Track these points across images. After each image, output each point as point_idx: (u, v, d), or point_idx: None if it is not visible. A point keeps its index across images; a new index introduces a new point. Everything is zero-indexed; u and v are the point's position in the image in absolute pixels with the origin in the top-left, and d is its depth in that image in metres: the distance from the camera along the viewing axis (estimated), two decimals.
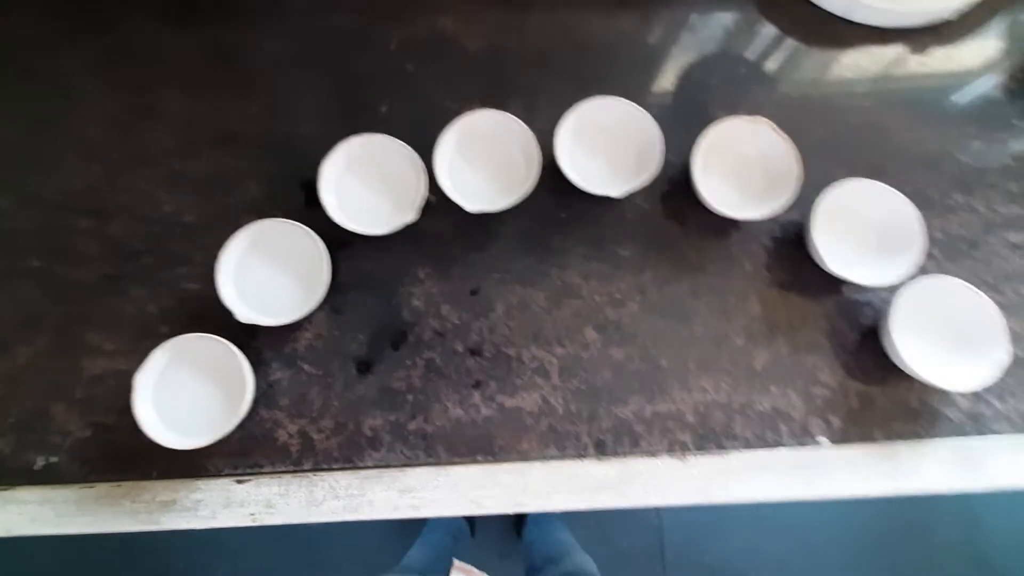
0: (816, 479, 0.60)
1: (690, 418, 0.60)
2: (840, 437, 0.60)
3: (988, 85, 0.70)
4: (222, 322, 0.59)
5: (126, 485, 0.59)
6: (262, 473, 0.59)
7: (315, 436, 0.60)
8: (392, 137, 0.62)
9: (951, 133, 0.68)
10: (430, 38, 0.71)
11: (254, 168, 0.67)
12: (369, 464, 0.59)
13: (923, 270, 0.63)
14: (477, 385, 0.61)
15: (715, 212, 0.62)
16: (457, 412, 0.60)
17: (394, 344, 0.62)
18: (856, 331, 0.63)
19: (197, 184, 0.66)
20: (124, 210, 0.65)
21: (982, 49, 0.72)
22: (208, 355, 0.58)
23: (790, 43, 0.72)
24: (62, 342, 0.62)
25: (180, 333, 0.57)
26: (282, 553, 1.52)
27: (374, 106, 0.68)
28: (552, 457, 0.60)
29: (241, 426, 0.59)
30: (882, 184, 0.61)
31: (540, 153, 0.61)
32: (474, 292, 0.63)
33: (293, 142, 0.68)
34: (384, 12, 0.72)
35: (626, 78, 0.70)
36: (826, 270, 0.60)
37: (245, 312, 0.59)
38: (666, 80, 0.71)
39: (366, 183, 0.64)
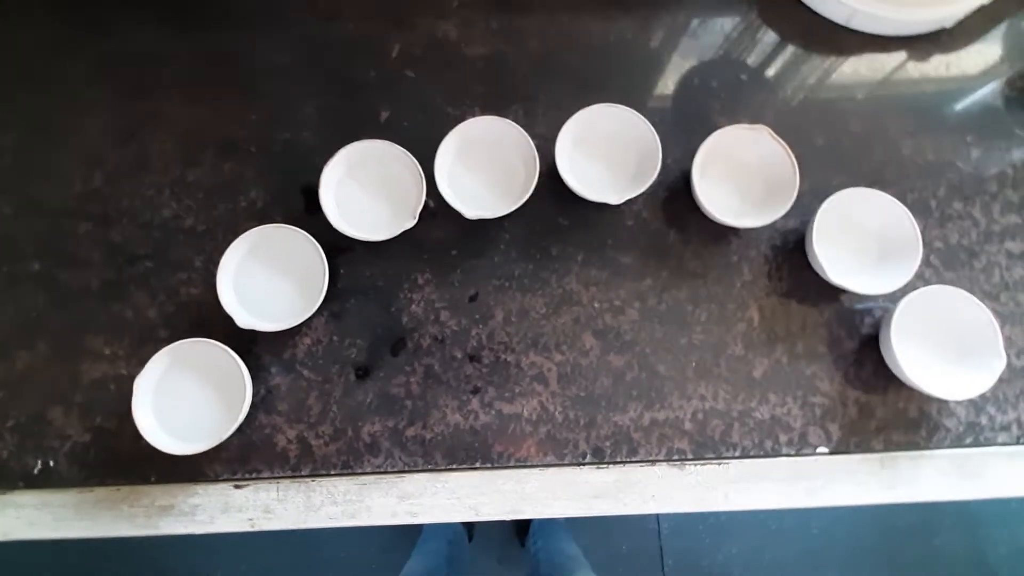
0: (815, 488, 0.60)
1: (688, 426, 0.60)
2: (839, 446, 0.60)
3: (988, 94, 0.70)
4: (222, 327, 0.59)
5: (125, 489, 0.59)
6: (260, 478, 0.59)
7: (314, 442, 0.60)
8: (392, 143, 0.62)
9: (951, 142, 0.68)
10: (430, 44, 0.71)
11: (254, 174, 0.67)
12: (367, 470, 0.59)
13: (922, 279, 0.63)
14: (476, 391, 0.61)
15: (715, 220, 0.62)
16: (456, 418, 0.61)
17: (393, 350, 0.62)
18: (855, 340, 0.63)
19: (198, 190, 0.66)
20: (125, 215, 0.65)
21: (982, 58, 0.72)
22: (207, 360, 0.58)
23: (791, 50, 0.72)
24: (62, 346, 0.62)
25: (180, 338, 0.58)
26: (278, 558, 1.52)
27: (374, 112, 0.68)
28: (550, 464, 0.60)
29: (240, 431, 0.59)
30: (882, 193, 0.61)
31: (539, 160, 0.61)
32: (473, 298, 0.63)
33: (293, 148, 0.68)
34: (385, 19, 0.72)
35: (626, 84, 0.70)
36: (826, 279, 0.60)
37: (245, 318, 0.59)
38: (666, 86, 0.71)
39: (366, 189, 0.64)
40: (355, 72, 0.70)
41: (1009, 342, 0.62)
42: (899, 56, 0.71)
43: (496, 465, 0.60)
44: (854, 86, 0.71)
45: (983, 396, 0.61)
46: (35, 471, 0.59)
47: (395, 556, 1.18)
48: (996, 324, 0.57)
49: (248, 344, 0.61)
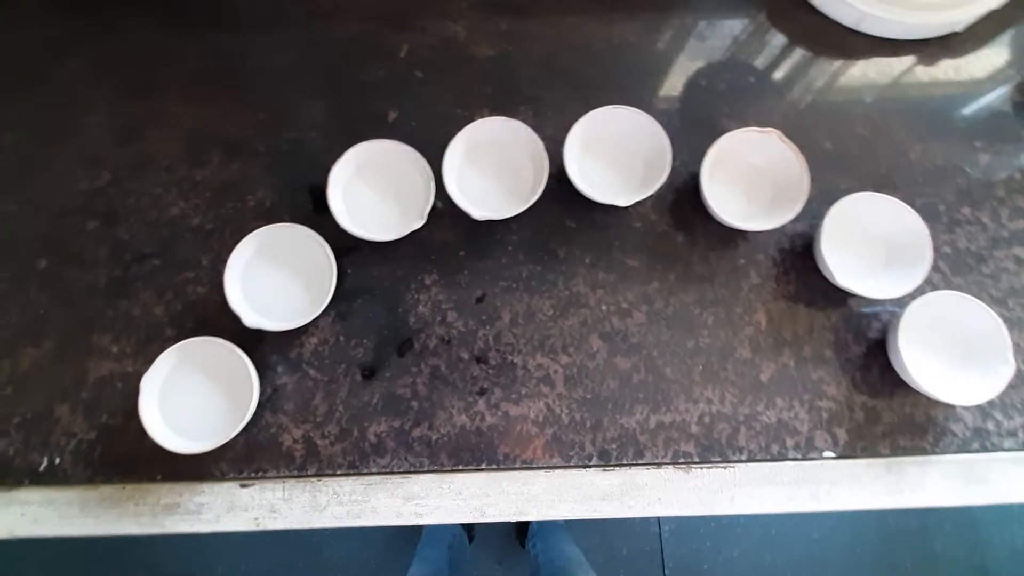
0: (821, 493, 0.60)
1: (695, 429, 0.60)
2: (845, 451, 0.60)
3: (997, 99, 0.70)
4: (228, 326, 0.59)
5: (130, 487, 0.59)
6: (266, 478, 0.59)
7: (319, 442, 0.60)
8: (400, 143, 0.62)
9: (959, 146, 0.68)
10: (440, 46, 0.71)
11: (262, 174, 0.67)
12: (373, 470, 0.59)
13: (930, 284, 0.63)
14: (482, 393, 0.61)
15: (723, 223, 0.62)
16: (462, 419, 0.60)
17: (400, 351, 0.62)
18: (863, 344, 0.63)
19: (205, 189, 0.66)
20: (132, 213, 0.65)
21: (991, 62, 0.72)
22: (214, 359, 0.58)
23: (799, 53, 0.72)
24: (69, 344, 0.62)
25: (186, 337, 0.58)
26: (279, 559, 1.52)
27: (382, 113, 0.68)
28: (556, 466, 0.60)
29: (246, 430, 0.59)
30: (891, 197, 0.61)
31: (548, 161, 0.61)
32: (480, 300, 0.63)
33: (301, 148, 0.68)
34: (394, 20, 0.72)
35: (635, 86, 0.70)
36: (833, 283, 0.60)
37: (252, 317, 0.59)
38: (674, 89, 0.71)
39: (374, 189, 0.64)
40: (363, 72, 0.70)
41: (1017, 348, 0.61)
42: (908, 60, 0.71)
43: (502, 467, 0.60)
44: (863, 90, 0.70)
45: (990, 402, 0.61)
46: (41, 468, 0.59)
47: (395, 559, 1.18)
48: (1005, 330, 0.57)
49: (255, 343, 0.61)
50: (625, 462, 0.60)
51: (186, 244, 0.65)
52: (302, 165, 0.66)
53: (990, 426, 0.61)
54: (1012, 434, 0.60)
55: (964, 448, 0.60)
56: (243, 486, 0.59)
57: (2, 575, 1.48)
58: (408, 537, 1.41)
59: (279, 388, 0.61)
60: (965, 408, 0.61)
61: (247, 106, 0.69)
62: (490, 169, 0.65)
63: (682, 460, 0.60)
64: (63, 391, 0.61)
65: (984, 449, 0.60)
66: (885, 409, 0.61)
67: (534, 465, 0.60)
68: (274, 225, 0.60)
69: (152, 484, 0.59)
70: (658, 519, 1.55)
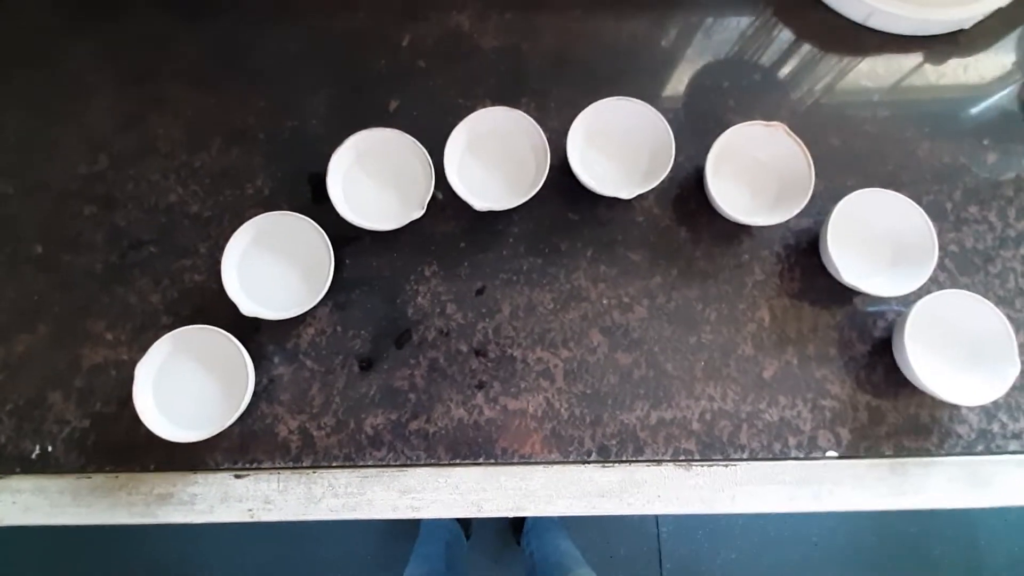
0: (823, 493, 0.59)
1: (696, 426, 0.60)
2: (848, 451, 0.59)
3: (1005, 97, 0.69)
4: (225, 315, 0.58)
5: (123, 477, 0.59)
6: (261, 469, 0.58)
7: (315, 433, 0.59)
8: (401, 132, 0.61)
9: (967, 145, 0.67)
10: (443, 35, 0.70)
11: (262, 162, 0.66)
12: (369, 463, 0.59)
13: (936, 283, 0.62)
14: (480, 386, 0.60)
15: (727, 217, 0.61)
16: (459, 413, 0.60)
17: (398, 342, 0.61)
18: (867, 343, 0.62)
19: (204, 176, 0.65)
20: (130, 199, 0.65)
21: (999, 61, 0.71)
22: (210, 348, 0.57)
23: (807, 48, 0.71)
24: (63, 330, 0.61)
25: (182, 325, 0.57)
26: (277, 553, 1.51)
27: (384, 102, 0.68)
28: (555, 462, 0.59)
29: (241, 420, 0.58)
30: (898, 194, 0.60)
31: (550, 152, 0.60)
32: (480, 292, 0.63)
33: (302, 137, 0.67)
34: (397, 8, 0.71)
35: (640, 80, 0.69)
36: (839, 280, 0.60)
37: (249, 305, 0.58)
38: (680, 83, 0.70)
39: (374, 178, 0.63)
40: (365, 61, 0.69)
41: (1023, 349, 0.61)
42: (916, 57, 0.70)
43: (500, 461, 0.59)
44: (870, 86, 0.70)
45: (995, 403, 0.60)
46: (32, 456, 0.58)
47: (392, 556, 1.17)
48: (1011, 330, 0.56)
49: (251, 332, 0.60)
50: (625, 458, 0.59)
51: (184, 231, 0.64)
52: (302, 154, 0.66)
53: (995, 428, 0.60)
54: (1017, 436, 0.60)
55: (969, 450, 0.59)
56: (237, 477, 0.59)
57: None
58: (405, 534, 1.40)
59: (275, 378, 0.60)
60: (970, 409, 0.60)
61: (248, 94, 0.68)
62: (492, 160, 0.64)
63: (683, 457, 0.59)
64: (57, 378, 0.60)
65: (989, 451, 0.60)
66: (889, 409, 0.60)
67: (532, 460, 0.59)
68: (272, 213, 0.60)
69: (145, 474, 0.59)
70: (656, 519, 1.55)
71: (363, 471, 0.59)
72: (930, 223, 0.59)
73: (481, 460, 0.59)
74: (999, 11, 0.69)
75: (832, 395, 0.60)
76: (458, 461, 0.59)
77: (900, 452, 0.59)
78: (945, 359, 0.59)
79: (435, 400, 0.60)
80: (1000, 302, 0.62)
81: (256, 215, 0.60)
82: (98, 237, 0.64)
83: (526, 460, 0.59)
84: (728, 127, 0.62)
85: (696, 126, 0.67)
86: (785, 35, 0.72)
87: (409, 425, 0.59)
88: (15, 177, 0.65)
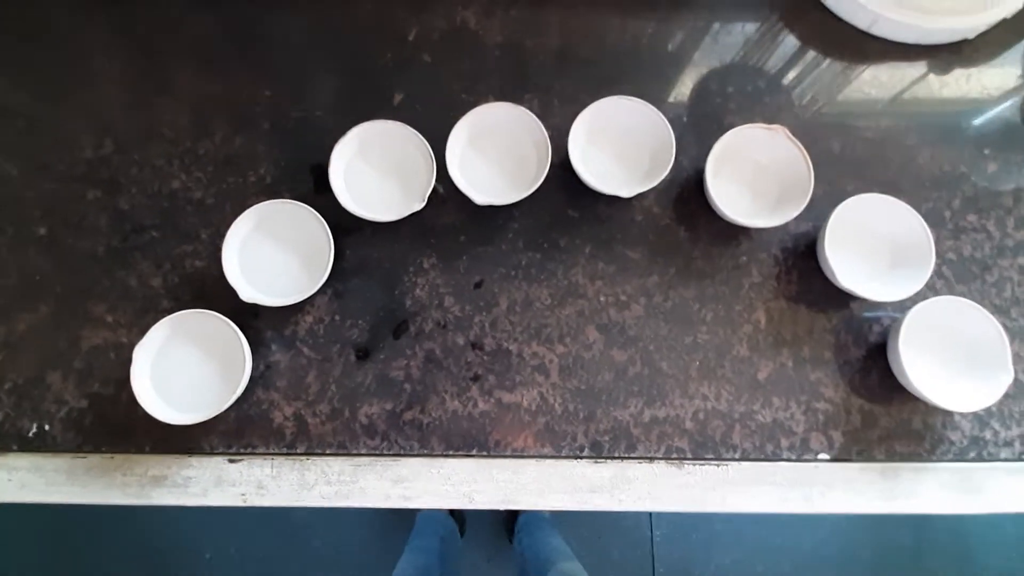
0: (815, 495, 0.59)
1: (689, 425, 0.60)
2: (840, 454, 0.59)
3: (1007, 108, 0.70)
4: (224, 301, 0.59)
5: (119, 458, 0.59)
6: (255, 454, 0.59)
7: (310, 420, 0.59)
8: (404, 124, 0.62)
9: (968, 154, 0.68)
10: (449, 30, 0.70)
11: (266, 151, 0.66)
12: (363, 451, 0.59)
13: (933, 290, 0.63)
14: (476, 379, 0.61)
15: (726, 219, 0.61)
16: (454, 405, 0.60)
17: (395, 333, 0.62)
18: (862, 348, 0.62)
19: (208, 163, 0.66)
20: (134, 184, 0.65)
21: (1002, 71, 0.71)
22: (208, 332, 0.58)
23: (811, 55, 0.71)
24: (64, 311, 0.62)
25: (183, 309, 0.57)
26: (271, 547, 1.52)
27: (388, 95, 0.68)
28: (547, 456, 0.59)
29: (237, 405, 0.59)
30: (896, 200, 0.60)
31: (551, 149, 0.61)
32: (478, 285, 0.63)
33: (306, 127, 0.67)
34: (404, 2, 0.71)
35: (644, 81, 0.70)
36: (835, 283, 0.60)
37: (248, 291, 0.58)
38: (684, 86, 0.70)
39: (376, 169, 0.64)
40: (371, 54, 0.70)
41: (1017, 358, 0.61)
42: (919, 65, 0.71)
43: (492, 454, 0.59)
44: (873, 94, 0.70)
45: (988, 411, 0.60)
46: (30, 434, 0.59)
47: (386, 549, 1.17)
48: (1005, 337, 0.56)
49: (250, 319, 0.61)
50: (617, 455, 0.59)
51: (186, 217, 0.64)
52: (306, 144, 0.66)
53: (987, 435, 0.60)
54: (1009, 444, 0.60)
55: (961, 456, 0.60)
56: (231, 461, 0.59)
57: None
58: (400, 528, 1.41)
59: (272, 365, 0.60)
60: (963, 416, 0.60)
61: (254, 83, 0.69)
62: (493, 155, 0.64)
63: (675, 456, 0.59)
64: (56, 358, 0.60)
65: (981, 459, 0.60)
66: (882, 414, 0.60)
67: (525, 454, 0.59)
68: (274, 200, 0.60)
69: (140, 455, 0.59)
70: (650, 523, 1.54)
71: (356, 459, 0.59)
72: (927, 229, 0.59)
73: (474, 452, 0.59)
74: (1003, 22, 0.69)
75: (826, 398, 0.61)
76: (451, 452, 0.59)
77: (892, 457, 0.60)
78: (939, 365, 0.59)
79: (430, 391, 0.60)
80: (996, 311, 0.62)
81: (258, 203, 0.60)
82: (101, 220, 0.64)
83: (519, 454, 0.59)
84: (730, 129, 0.62)
85: (698, 129, 0.68)
86: (790, 40, 0.72)
87: (403, 415, 0.60)
88: (21, 158, 0.66)
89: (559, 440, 0.59)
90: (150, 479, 0.59)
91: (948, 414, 0.60)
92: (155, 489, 0.59)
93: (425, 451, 0.59)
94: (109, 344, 0.61)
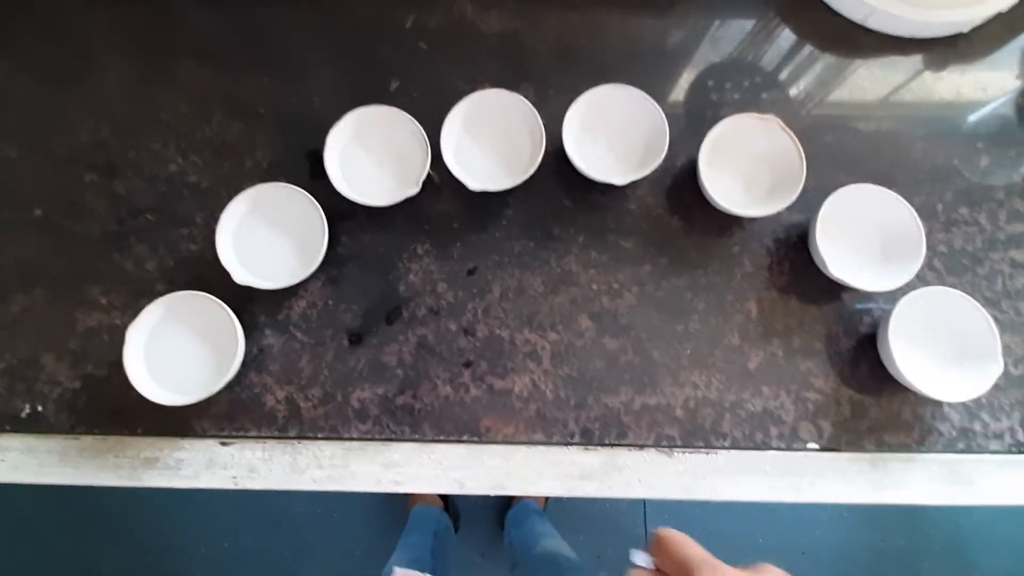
0: (804, 484, 0.60)
1: (679, 413, 0.60)
2: (830, 444, 0.60)
3: (1001, 103, 0.70)
4: (219, 285, 0.59)
5: (111, 439, 0.59)
6: (247, 437, 0.59)
7: (302, 404, 0.60)
8: (399, 110, 0.62)
9: (961, 148, 0.68)
10: (446, 18, 0.71)
11: (262, 137, 0.67)
12: (354, 436, 0.59)
13: (924, 282, 0.63)
14: (468, 365, 0.61)
15: (719, 208, 0.62)
16: (446, 390, 0.60)
17: (388, 318, 0.62)
18: (853, 339, 0.62)
19: (205, 149, 0.66)
20: (131, 168, 0.65)
21: (997, 66, 0.71)
22: (202, 314, 0.58)
23: (807, 48, 0.72)
24: (59, 293, 0.62)
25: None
26: (264, 541, 1.52)
27: (385, 82, 0.68)
28: (538, 442, 0.60)
29: (229, 388, 0.59)
30: (887, 190, 0.61)
31: (546, 136, 0.61)
32: (471, 272, 0.63)
33: (302, 114, 0.68)
34: None
35: (640, 74, 0.70)
36: (827, 273, 0.60)
37: (242, 274, 0.59)
38: (680, 78, 0.71)
39: (371, 155, 0.64)
40: (368, 41, 0.70)
41: (1007, 350, 0.61)
42: (914, 59, 0.71)
43: (483, 440, 0.60)
44: (867, 87, 0.70)
45: (977, 403, 0.61)
46: (23, 415, 0.59)
47: (380, 544, 1.17)
48: (995, 328, 0.57)
49: (244, 303, 0.61)
50: (608, 442, 0.60)
51: (183, 201, 0.65)
52: (302, 130, 0.66)
53: (977, 427, 0.60)
54: (999, 436, 0.60)
55: (950, 448, 0.60)
56: (223, 444, 0.59)
57: None
58: (394, 523, 1.41)
59: (265, 348, 0.61)
60: (952, 408, 0.61)
61: (253, 70, 0.69)
62: (488, 141, 0.65)
63: (665, 443, 0.60)
64: (50, 339, 0.61)
65: (970, 450, 0.60)
66: (872, 404, 0.61)
67: (516, 440, 0.60)
68: (269, 184, 0.60)
69: (133, 437, 0.59)
70: (644, 522, 1.55)
71: (348, 444, 0.59)
72: (918, 219, 0.60)
73: (465, 438, 0.60)
74: (999, 16, 0.70)
75: (816, 388, 0.61)
76: (442, 438, 0.59)
77: (881, 447, 0.60)
78: (929, 355, 0.59)
79: (422, 377, 0.61)
80: (987, 303, 0.62)
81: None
82: (98, 204, 0.65)
83: (510, 440, 0.60)
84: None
85: (692, 120, 0.68)
86: (786, 34, 0.73)
87: (396, 400, 0.60)
88: (18, 140, 0.66)
89: (550, 427, 0.60)
90: (142, 461, 0.59)
91: (938, 405, 0.60)
92: (147, 471, 0.59)
93: (417, 436, 0.59)
94: (103, 326, 0.61)
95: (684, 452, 0.60)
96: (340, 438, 0.59)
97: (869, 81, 0.70)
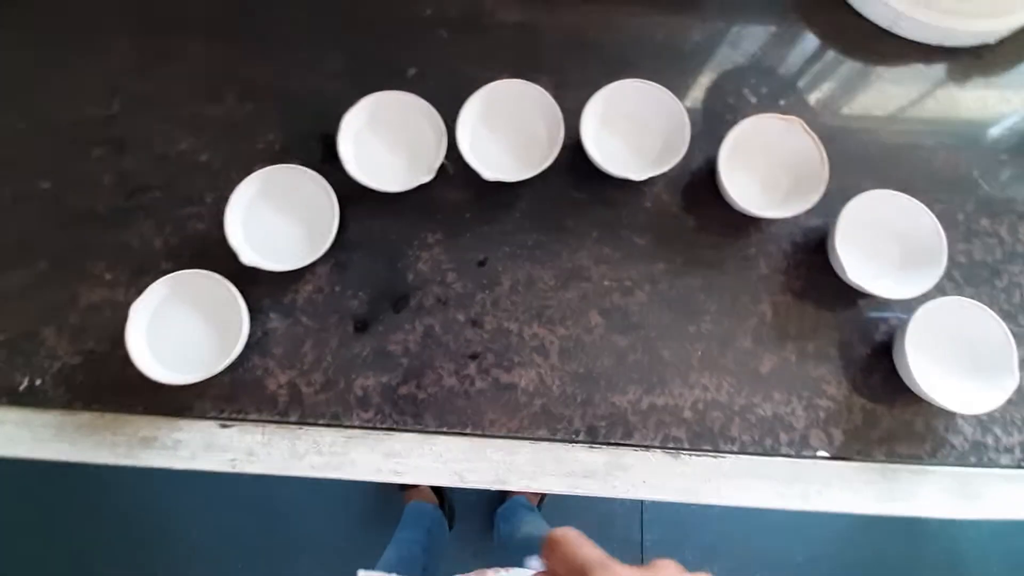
0: (812, 493, 0.58)
1: (688, 415, 0.59)
2: (840, 452, 0.59)
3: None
4: (225, 265, 0.58)
5: (109, 416, 0.58)
6: (247, 420, 0.58)
7: (304, 389, 0.58)
8: (416, 96, 0.61)
9: (983, 158, 0.67)
10: (466, 6, 0.70)
11: (275, 118, 0.66)
12: (356, 424, 0.58)
13: (942, 291, 0.62)
14: (474, 357, 0.60)
15: (737, 208, 0.61)
16: (451, 382, 0.59)
17: (395, 306, 0.61)
18: (868, 347, 0.61)
19: (216, 127, 0.65)
20: (140, 144, 0.65)
21: (1021, 77, 0.70)
22: (207, 293, 0.57)
23: (830, 51, 0.71)
24: (62, 267, 0.61)
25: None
26: (254, 535, 1.51)
27: (402, 68, 0.68)
28: (542, 438, 0.59)
29: (231, 370, 0.58)
30: (910, 197, 0.60)
31: (564, 128, 0.60)
32: (482, 263, 0.62)
33: (318, 97, 0.67)
34: None
35: (661, 70, 0.69)
36: (845, 280, 0.59)
37: (250, 255, 0.58)
38: (701, 78, 0.70)
39: (385, 140, 0.63)
40: (386, 27, 0.69)
41: (1023, 364, 0.60)
42: (939, 67, 0.70)
43: (486, 433, 0.58)
44: (891, 93, 0.69)
45: (991, 416, 0.59)
46: (20, 388, 0.58)
47: (373, 540, 1.16)
48: (1012, 340, 0.56)
49: (249, 285, 0.60)
50: (613, 441, 0.58)
51: (191, 179, 0.64)
52: (316, 113, 0.65)
53: (989, 441, 0.59)
54: (1009, 451, 0.59)
55: (962, 461, 0.59)
56: (223, 426, 0.58)
57: None
58: (388, 518, 1.39)
59: (269, 331, 0.60)
60: (965, 420, 0.59)
61: (268, 50, 0.68)
62: (505, 131, 0.64)
63: (671, 445, 0.59)
64: (51, 313, 0.60)
65: (981, 464, 0.59)
66: (885, 414, 0.60)
67: (520, 435, 0.58)
68: (280, 165, 0.60)
69: (131, 415, 0.58)
70: (641, 528, 1.53)
71: (349, 431, 0.58)
72: (940, 228, 0.58)
73: (468, 431, 0.58)
74: None
75: (828, 395, 0.60)
76: (445, 429, 0.58)
77: (892, 458, 0.59)
78: (944, 365, 0.58)
79: (427, 367, 0.59)
80: (1004, 316, 0.61)
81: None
82: (105, 179, 0.64)
83: (513, 434, 0.58)
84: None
85: (710, 119, 0.67)
86: (810, 38, 0.72)
87: (399, 389, 0.59)
88: (27, 112, 0.65)
89: (555, 423, 0.59)
90: (140, 440, 0.58)
91: (951, 417, 0.59)
92: (144, 451, 0.58)
93: (419, 426, 0.58)
94: (106, 302, 0.60)
95: (691, 455, 0.59)
96: (341, 425, 0.58)
97: (893, 87, 0.69)
